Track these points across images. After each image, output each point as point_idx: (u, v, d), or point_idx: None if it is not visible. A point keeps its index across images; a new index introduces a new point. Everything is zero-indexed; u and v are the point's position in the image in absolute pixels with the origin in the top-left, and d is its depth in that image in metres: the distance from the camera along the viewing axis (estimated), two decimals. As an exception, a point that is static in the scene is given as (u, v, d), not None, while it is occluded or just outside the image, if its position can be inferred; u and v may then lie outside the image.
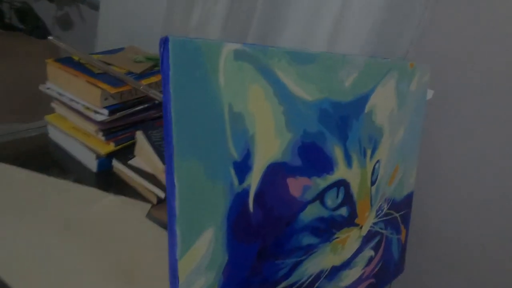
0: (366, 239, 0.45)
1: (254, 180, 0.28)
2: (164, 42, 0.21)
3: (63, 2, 1.04)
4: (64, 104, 0.61)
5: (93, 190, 0.57)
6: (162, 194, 0.56)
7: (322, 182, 0.35)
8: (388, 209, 0.49)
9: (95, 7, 0.98)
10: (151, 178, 0.58)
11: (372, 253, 0.47)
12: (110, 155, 0.61)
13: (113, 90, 0.56)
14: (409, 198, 0.54)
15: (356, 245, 0.43)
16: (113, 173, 0.62)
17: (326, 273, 0.40)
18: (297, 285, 0.36)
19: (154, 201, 0.57)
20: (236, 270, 0.29)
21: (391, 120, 0.44)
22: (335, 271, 0.41)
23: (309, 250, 0.36)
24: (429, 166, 0.64)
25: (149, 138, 0.60)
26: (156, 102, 0.66)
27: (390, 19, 0.55)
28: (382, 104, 0.41)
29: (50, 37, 0.55)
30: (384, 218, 0.48)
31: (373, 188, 0.43)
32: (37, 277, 0.42)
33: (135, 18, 0.79)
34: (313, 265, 0.37)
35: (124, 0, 0.76)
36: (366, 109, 0.39)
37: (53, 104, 0.64)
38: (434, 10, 0.55)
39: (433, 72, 0.50)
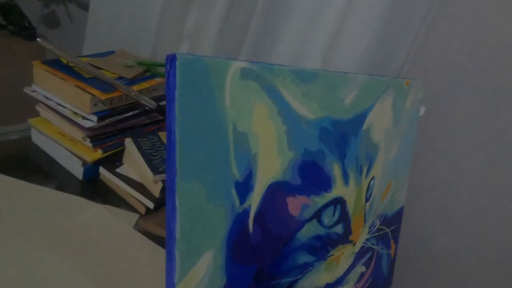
0: (359, 255, 0.45)
1: (254, 200, 0.28)
2: (171, 59, 0.20)
3: (50, 0, 1.01)
4: (50, 108, 0.59)
5: (78, 198, 0.55)
6: (151, 205, 0.55)
7: (320, 201, 0.34)
8: (380, 224, 0.49)
9: (85, 7, 0.96)
10: (139, 187, 0.56)
11: (363, 269, 0.47)
12: (97, 163, 0.59)
13: (103, 96, 0.54)
14: (399, 213, 0.55)
15: (349, 262, 0.43)
16: (99, 181, 0.60)
17: (320, 291, 0.39)
18: (292, 304, 0.36)
19: (143, 211, 0.55)
20: (233, 292, 0.28)
21: (387, 137, 0.44)
22: (328, 289, 0.41)
23: (305, 268, 0.35)
24: (417, 181, 0.65)
25: (138, 145, 0.58)
26: (147, 108, 0.65)
27: (386, 36, 0.56)
28: (379, 121, 0.41)
29: (39, 39, 0.52)
30: (376, 233, 0.48)
31: (367, 204, 0.43)
32: (17, 293, 0.40)
33: (127, 21, 0.78)
34: (308, 284, 0.37)
35: (117, 2, 0.74)
36: (364, 126, 0.39)
37: (38, 108, 0.62)
38: (429, 27, 0.56)
39: (425, 87, 0.51)
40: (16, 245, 0.45)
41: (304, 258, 0.35)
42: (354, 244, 0.42)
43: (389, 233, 0.52)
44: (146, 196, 0.55)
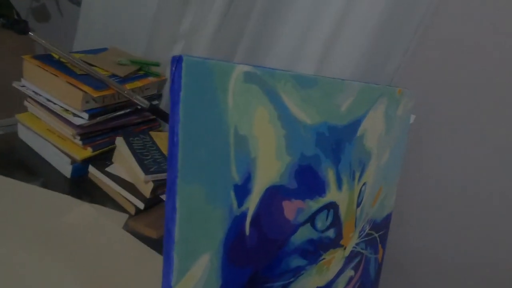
0: (348, 260, 0.46)
1: (252, 204, 0.28)
2: (178, 61, 0.20)
3: (40, -7, 0.99)
4: (39, 104, 0.58)
5: (66, 197, 0.54)
6: (141, 205, 0.54)
7: (314, 205, 0.35)
8: (369, 229, 0.50)
9: (76, 2, 0.94)
10: (130, 187, 0.56)
11: (352, 273, 0.48)
12: (86, 161, 0.58)
13: (96, 94, 0.53)
14: (388, 218, 0.56)
15: (339, 266, 0.44)
16: (88, 180, 0.59)
17: (311, 294, 0.40)
18: (284, 307, 0.36)
19: (132, 211, 0.54)
20: (228, 295, 0.28)
21: (379, 144, 0.45)
22: (319, 292, 0.41)
23: (297, 272, 0.36)
24: (405, 187, 0.66)
25: (130, 145, 0.58)
26: (139, 107, 0.64)
27: (379, 44, 0.57)
28: (372, 128, 0.42)
29: (31, 33, 0.51)
30: (366, 238, 0.49)
31: (359, 209, 0.44)
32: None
33: (121, 18, 0.77)
34: (300, 287, 0.37)
35: (111, -2, 0.73)
36: (358, 133, 0.40)
37: (26, 103, 0.60)
38: (422, 37, 0.58)
39: (415, 96, 0.52)
40: (1, 243, 0.43)
41: (297, 261, 0.35)
42: (345, 249, 0.43)
43: (378, 238, 0.53)
44: (136, 196, 0.54)
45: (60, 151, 0.57)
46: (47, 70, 0.55)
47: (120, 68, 0.63)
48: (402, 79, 0.61)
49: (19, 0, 0.99)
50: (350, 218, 0.42)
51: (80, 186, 0.58)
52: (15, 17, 0.95)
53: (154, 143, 0.61)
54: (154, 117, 0.70)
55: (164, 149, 0.61)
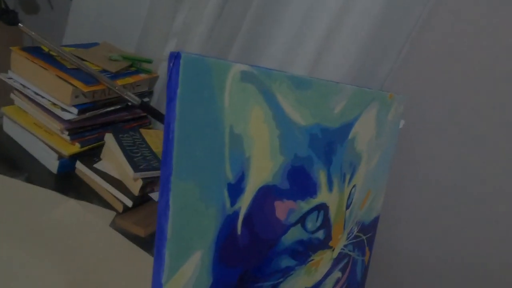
0: (336, 261, 0.46)
1: (244, 203, 0.28)
2: (176, 57, 0.20)
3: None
4: (26, 97, 0.56)
5: (52, 193, 0.52)
6: (129, 202, 0.53)
7: (305, 206, 0.35)
8: (357, 232, 0.51)
9: (67, -5, 0.92)
10: (118, 184, 0.55)
11: (339, 274, 0.48)
12: (74, 157, 0.57)
13: (86, 88, 0.53)
14: (375, 221, 0.56)
15: (327, 267, 0.44)
16: (75, 176, 0.58)
17: (299, 295, 0.40)
18: (272, 307, 0.36)
19: (120, 209, 0.54)
20: (218, 294, 0.28)
21: (370, 147, 0.45)
22: (306, 293, 0.41)
23: (286, 272, 0.36)
24: (392, 191, 0.67)
25: (119, 141, 0.57)
26: (130, 104, 0.63)
27: (372, 49, 0.58)
28: (364, 131, 0.43)
29: (21, 25, 0.50)
30: (353, 240, 0.50)
31: (348, 211, 0.44)
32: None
33: (113, 13, 0.76)
34: (288, 287, 0.37)
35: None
36: (350, 136, 0.40)
37: (13, 96, 0.59)
38: (413, 44, 0.59)
39: (406, 102, 0.53)
40: (-17, 239, 0.42)
41: (286, 262, 0.35)
42: (333, 250, 0.43)
43: (365, 240, 0.54)
44: (124, 194, 0.54)
45: (47, 146, 0.56)
46: (36, 63, 0.53)
47: (111, 64, 0.62)
48: (392, 85, 0.62)
49: (7, -9, 0.97)
50: (339, 220, 0.42)
51: (66, 182, 0.56)
52: (3, 7, 0.92)
53: (144, 140, 0.60)
54: (144, 114, 0.69)
55: (154, 146, 0.60)
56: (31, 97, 0.55)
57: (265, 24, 0.59)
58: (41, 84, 0.54)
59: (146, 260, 0.48)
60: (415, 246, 0.72)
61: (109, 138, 0.57)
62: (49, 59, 0.55)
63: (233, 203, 0.27)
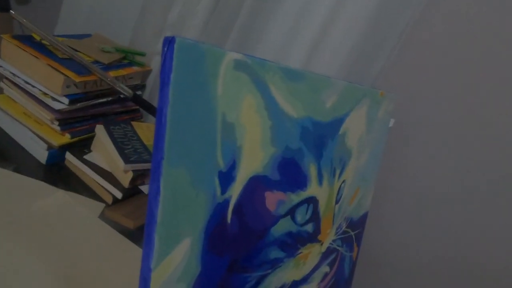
0: (324, 256, 0.47)
1: (235, 192, 0.28)
2: (170, 42, 0.20)
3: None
4: (16, 86, 0.56)
5: (40, 183, 0.52)
6: (119, 194, 0.53)
7: (295, 198, 0.35)
8: (346, 227, 0.51)
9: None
10: (108, 176, 0.54)
11: (327, 269, 0.49)
12: (63, 148, 0.56)
13: (78, 79, 0.52)
14: (364, 218, 0.57)
15: (315, 261, 0.44)
16: (64, 167, 0.57)
17: (287, 287, 0.40)
18: (260, 299, 0.36)
19: (110, 201, 0.53)
20: (206, 282, 0.28)
21: (360, 144, 0.46)
22: (294, 286, 0.42)
23: (275, 264, 0.36)
24: (380, 189, 0.68)
25: (110, 133, 0.56)
26: (121, 96, 0.63)
27: (364, 47, 0.59)
28: (354, 127, 0.43)
29: (12, 11, 0.49)
30: (342, 236, 0.50)
31: (337, 206, 0.45)
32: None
33: (106, 5, 0.75)
34: (277, 279, 0.37)
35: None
36: (341, 131, 0.41)
37: (2, 84, 0.58)
38: (406, 42, 0.60)
39: (397, 100, 0.54)
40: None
41: (275, 253, 0.36)
42: (322, 244, 0.44)
43: (353, 236, 0.55)
44: (114, 186, 0.53)
45: (36, 136, 0.55)
46: (27, 51, 0.53)
47: (104, 55, 0.62)
48: (384, 84, 0.63)
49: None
50: (328, 214, 0.43)
51: (55, 173, 0.56)
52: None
53: (135, 133, 0.60)
54: (136, 107, 0.69)
55: (146, 139, 0.60)
56: (22, 86, 0.54)
57: (259, 18, 0.60)
58: (32, 73, 0.54)
59: (134, 251, 0.48)
60: (403, 245, 0.73)
61: (100, 130, 0.57)
62: (41, 48, 0.54)
63: (223, 191, 0.27)
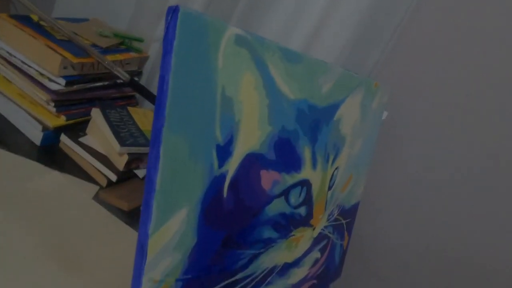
0: (316, 241, 0.47)
1: (232, 167, 0.29)
2: (174, 11, 0.21)
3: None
4: (12, 65, 0.55)
5: (34, 163, 0.52)
6: (113, 177, 0.53)
7: (289, 179, 0.36)
8: (338, 215, 0.52)
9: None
10: (103, 159, 0.55)
11: (318, 255, 0.50)
12: (59, 129, 0.56)
13: (75, 60, 0.52)
14: (355, 207, 0.58)
15: (307, 245, 0.45)
16: (59, 149, 0.57)
17: (279, 269, 0.41)
18: (252, 277, 0.37)
19: (104, 183, 0.53)
20: (201, 254, 0.29)
21: (353, 132, 0.47)
22: (286, 268, 0.43)
23: (268, 243, 0.37)
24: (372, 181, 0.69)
25: (106, 116, 0.57)
26: (118, 81, 0.63)
27: (360, 39, 0.60)
28: (348, 115, 0.44)
29: (11, -10, 0.49)
30: (333, 223, 0.51)
31: (329, 192, 0.45)
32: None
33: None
34: (269, 259, 0.38)
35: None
36: (335, 117, 0.41)
37: (-2, 64, 0.58)
38: (399, 38, 0.61)
39: (391, 93, 0.55)
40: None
41: (269, 233, 0.36)
42: (314, 229, 0.45)
43: (344, 225, 0.56)
44: (109, 168, 0.53)
45: (31, 117, 0.55)
46: (25, 31, 0.53)
47: (101, 39, 0.62)
48: (377, 78, 0.64)
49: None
50: (321, 200, 0.44)
51: (50, 155, 0.56)
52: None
53: (131, 117, 0.60)
54: (132, 94, 0.69)
55: (142, 125, 0.60)
56: (18, 65, 0.54)
57: (258, 8, 0.60)
58: (29, 53, 0.53)
59: (128, 233, 0.48)
60: (394, 237, 0.74)
61: (96, 113, 0.57)
62: (39, 29, 0.54)
63: (221, 165, 0.27)
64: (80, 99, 0.58)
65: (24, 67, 0.54)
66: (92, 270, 0.41)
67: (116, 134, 0.54)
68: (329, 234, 0.51)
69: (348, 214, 0.56)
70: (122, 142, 0.53)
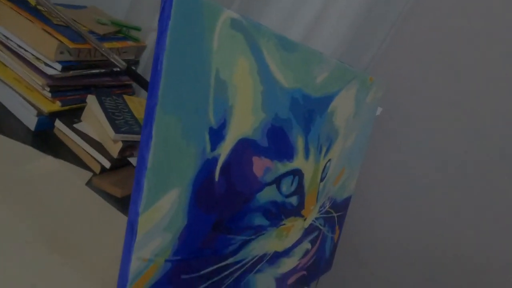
0: (307, 232, 0.48)
1: (224, 151, 0.29)
2: (170, -10, 0.21)
3: None
4: (8, 49, 0.55)
5: (28, 148, 0.52)
6: (107, 164, 0.53)
7: (281, 167, 0.36)
8: (329, 207, 0.53)
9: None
10: (97, 145, 0.55)
11: (309, 246, 0.50)
12: (53, 115, 0.56)
13: (72, 45, 0.52)
14: (347, 201, 0.59)
15: (298, 235, 0.46)
16: (53, 135, 0.57)
17: (268, 257, 0.41)
18: (242, 263, 0.37)
19: (97, 170, 0.53)
20: (191, 237, 0.29)
21: (347, 125, 0.47)
22: (276, 257, 0.43)
23: (258, 231, 0.37)
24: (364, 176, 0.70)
25: (102, 103, 0.57)
26: (115, 69, 0.63)
27: (357, 34, 0.60)
28: (343, 108, 0.45)
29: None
30: (325, 215, 0.52)
31: (321, 184, 0.46)
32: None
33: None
34: (259, 247, 0.38)
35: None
36: (329, 109, 0.42)
37: (-7, 48, 0.57)
38: (396, 34, 0.61)
39: (386, 88, 0.55)
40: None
41: (259, 220, 0.37)
42: (305, 220, 0.45)
43: (336, 218, 0.56)
44: (103, 155, 0.53)
45: (26, 101, 0.55)
46: (21, 15, 0.52)
47: (99, 26, 0.62)
48: (373, 74, 0.64)
49: None
50: (312, 191, 0.44)
51: (44, 140, 0.56)
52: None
53: (127, 105, 0.60)
54: (129, 83, 0.69)
55: (137, 113, 0.60)
56: (14, 49, 0.54)
57: (256, 3, 0.60)
58: (25, 37, 0.53)
59: (120, 219, 0.48)
60: (386, 232, 0.75)
61: (91, 99, 0.57)
62: (36, 13, 0.54)
63: (213, 148, 0.28)
64: (75, 86, 0.58)
65: (20, 51, 0.53)
66: (84, 255, 0.41)
67: (111, 121, 0.54)
68: (320, 226, 0.51)
69: (340, 207, 0.56)
70: (117, 129, 0.53)
